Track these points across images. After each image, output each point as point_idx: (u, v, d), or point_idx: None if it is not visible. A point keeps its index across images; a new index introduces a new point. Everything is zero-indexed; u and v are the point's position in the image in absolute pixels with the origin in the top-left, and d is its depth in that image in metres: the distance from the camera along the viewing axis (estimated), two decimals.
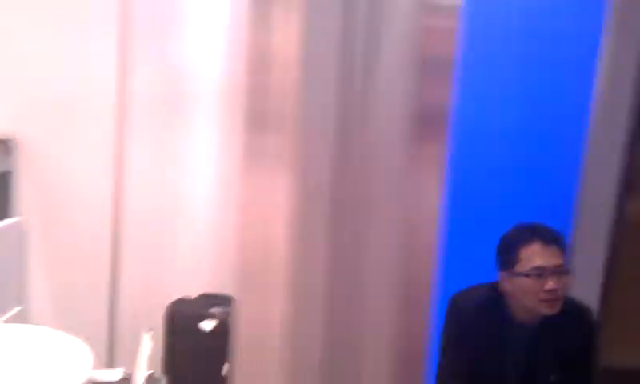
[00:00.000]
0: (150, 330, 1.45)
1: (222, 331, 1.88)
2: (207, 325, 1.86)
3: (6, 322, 1.91)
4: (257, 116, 2.03)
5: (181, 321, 1.88)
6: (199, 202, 2.08)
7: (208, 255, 2.10)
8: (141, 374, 1.39)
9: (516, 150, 2.14)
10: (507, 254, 1.58)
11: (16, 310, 1.99)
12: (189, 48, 2.01)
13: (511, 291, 1.58)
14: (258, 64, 1.99)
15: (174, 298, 1.97)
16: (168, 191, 2.06)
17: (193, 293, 2.01)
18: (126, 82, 1.98)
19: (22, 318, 2.00)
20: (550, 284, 1.50)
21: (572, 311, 1.61)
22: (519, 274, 1.54)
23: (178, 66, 2.01)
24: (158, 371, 1.68)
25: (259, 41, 1.98)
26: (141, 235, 2.06)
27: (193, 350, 1.86)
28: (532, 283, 1.52)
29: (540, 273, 1.51)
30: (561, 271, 1.52)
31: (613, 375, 2.04)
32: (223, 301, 1.97)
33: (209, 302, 1.96)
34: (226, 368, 1.87)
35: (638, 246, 2.20)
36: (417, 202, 2.08)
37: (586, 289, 1.94)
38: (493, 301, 1.61)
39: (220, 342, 1.88)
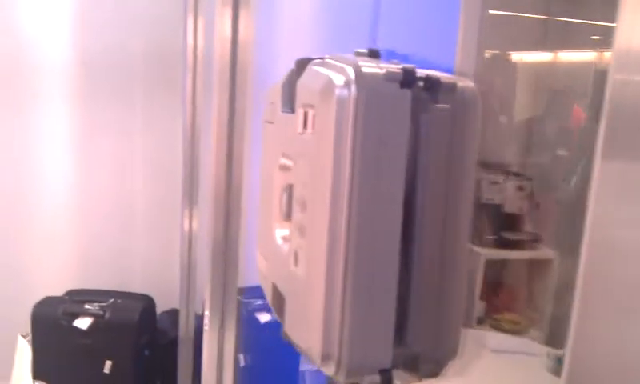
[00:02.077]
0: (25, 334, 1.29)
1: (99, 328, 1.73)
2: (82, 322, 1.70)
3: None
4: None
5: (51, 321, 1.70)
6: (53, 189, 1.89)
7: (67, 247, 1.92)
8: None
9: None
10: None
11: None
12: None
13: None
14: None
15: (37, 298, 1.77)
16: (17, 179, 1.84)
17: (58, 291, 1.83)
18: None
19: None
20: None
21: None
22: None
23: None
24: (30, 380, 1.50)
25: None
26: None
27: (69, 351, 1.69)
28: None
29: None
30: None
31: None
32: (95, 296, 1.81)
33: (79, 298, 1.79)
34: (107, 366, 1.73)
35: None
36: None
37: None
38: None
39: (98, 339, 1.72)
